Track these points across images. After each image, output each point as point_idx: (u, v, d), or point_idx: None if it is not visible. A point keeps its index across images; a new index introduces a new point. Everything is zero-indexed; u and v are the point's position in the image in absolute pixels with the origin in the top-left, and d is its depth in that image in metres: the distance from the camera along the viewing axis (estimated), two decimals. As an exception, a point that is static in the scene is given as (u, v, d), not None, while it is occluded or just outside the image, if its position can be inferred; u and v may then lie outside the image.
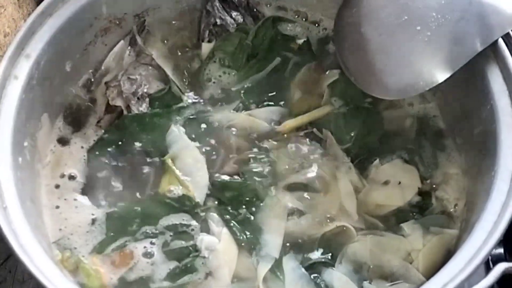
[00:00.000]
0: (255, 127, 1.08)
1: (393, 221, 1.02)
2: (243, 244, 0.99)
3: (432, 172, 1.06)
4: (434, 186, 1.05)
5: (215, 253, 0.97)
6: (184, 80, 1.14)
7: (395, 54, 1.01)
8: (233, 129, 1.08)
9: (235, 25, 1.17)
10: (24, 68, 0.97)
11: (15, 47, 0.96)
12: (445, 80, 0.97)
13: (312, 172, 1.05)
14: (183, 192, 1.02)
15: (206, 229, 1.00)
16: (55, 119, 1.08)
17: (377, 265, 0.97)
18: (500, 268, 0.81)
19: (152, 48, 1.16)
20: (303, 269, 0.97)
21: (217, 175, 1.04)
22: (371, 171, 1.05)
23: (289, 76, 1.14)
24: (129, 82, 1.11)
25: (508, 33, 0.96)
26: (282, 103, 1.12)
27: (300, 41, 1.18)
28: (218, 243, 0.98)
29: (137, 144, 1.06)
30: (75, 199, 1.02)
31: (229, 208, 1.01)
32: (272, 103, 1.12)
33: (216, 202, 1.02)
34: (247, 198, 1.02)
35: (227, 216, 1.01)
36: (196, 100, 1.12)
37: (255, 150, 1.07)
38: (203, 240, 0.98)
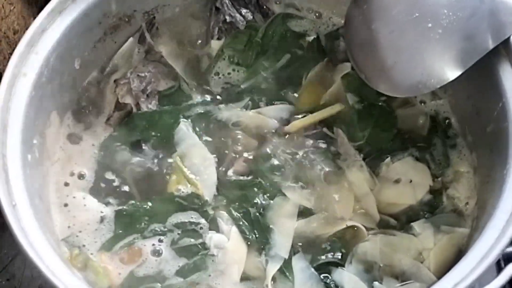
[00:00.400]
0: (264, 125, 1.08)
1: (403, 220, 1.01)
2: (252, 243, 0.99)
3: (443, 170, 1.05)
4: (445, 184, 1.04)
5: (224, 251, 0.97)
6: (194, 77, 1.14)
7: (406, 51, 1.00)
8: (242, 127, 1.08)
9: (245, 22, 1.17)
10: (33, 65, 0.97)
11: (24, 45, 0.97)
12: (457, 78, 0.96)
13: (322, 171, 1.05)
14: (192, 190, 1.01)
15: (215, 227, 1.00)
16: (64, 116, 1.08)
17: (388, 264, 0.97)
18: (511, 268, 0.80)
19: (161, 45, 1.16)
20: (312, 269, 0.97)
21: (226, 174, 1.04)
22: (382, 169, 1.05)
23: (299, 74, 1.14)
24: (138, 80, 1.11)
25: (520, 31, 0.96)
26: (291, 100, 1.11)
27: (310, 38, 1.18)
28: (227, 241, 0.98)
29: (146, 142, 1.07)
30: (84, 197, 1.02)
31: (238, 207, 1.01)
32: (282, 101, 1.11)
33: (225, 201, 1.02)
34: (257, 197, 1.02)
35: (236, 215, 1.01)
36: (205, 98, 1.12)
37: (265, 148, 1.06)
38: (212, 238, 0.98)
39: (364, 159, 1.05)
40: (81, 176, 1.04)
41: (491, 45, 0.95)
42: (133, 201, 1.01)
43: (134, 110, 1.09)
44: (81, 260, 0.96)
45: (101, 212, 1.00)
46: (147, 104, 1.10)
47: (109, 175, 1.04)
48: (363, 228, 0.99)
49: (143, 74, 1.11)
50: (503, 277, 0.80)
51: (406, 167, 1.05)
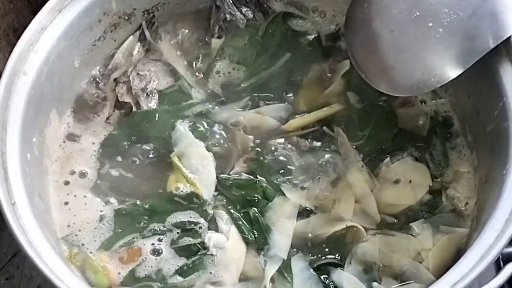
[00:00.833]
0: (264, 125, 1.08)
1: (403, 220, 1.01)
2: (251, 243, 0.99)
3: (443, 170, 1.05)
4: (445, 184, 1.04)
5: (223, 251, 0.97)
6: (194, 76, 1.14)
7: (406, 50, 1.00)
8: (242, 126, 1.08)
9: (245, 20, 1.17)
10: (33, 63, 0.97)
11: (24, 43, 0.97)
12: (457, 77, 0.96)
13: (322, 171, 1.05)
14: (191, 189, 1.01)
15: (214, 227, 0.99)
16: (64, 115, 1.08)
17: (387, 265, 0.97)
18: (510, 268, 0.81)
19: (161, 44, 1.16)
20: (311, 270, 0.97)
21: (226, 174, 1.04)
22: (382, 170, 1.05)
23: (299, 73, 1.14)
24: (138, 78, 1.11)
25: (521, 30, 0.95)
26: (291, 100, 1.11)
27: (311, 37, 1.18)
28: (226, 241, 0.98)
29: (146, 141, 1.07)
30: (84, 196, 1.02)
31: (238, 207, 1.01)
32: (281, 100, 1.11)
33: (225, 201, 1.02)
34: (256, 197, 1.02)
35: (236, 215, 1.01)
36: (206, 97, 1.12)
37: (264, 148, 1.06)
38: (211, 237, 0.98)
39: (363, 159, 1.05)
40: (81, 175, 1.04)
41: (491, 44, 0.94)
42: (132, 200, 1.01)
43: (134, 108, 1.09)
44: (81, 259, 0.96)
45: (101, 211, 1.00)
46: (147, 103, 1.10)
47: (109, 174, 1.04)
48: (362, 229, 0.99)
49: (143, 73, 1.11)
50: (501, 277, 0.80)
51: (405, 167, 1.05)
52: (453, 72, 0.96)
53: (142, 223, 0.99)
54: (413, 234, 0.99)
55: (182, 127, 1.07)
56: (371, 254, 0.97)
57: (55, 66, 1.01)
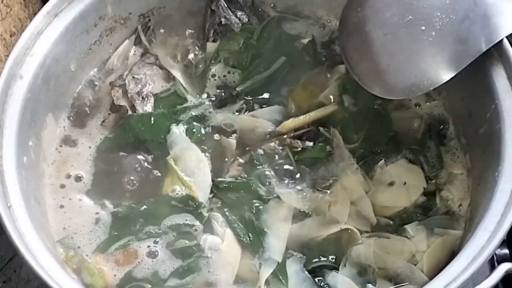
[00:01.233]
0: (259, 128, 1.08)
1: (397, 222, 1.01)
2: (246, 245, 0.99)
3: (437, 172, 1.05)
4: (439, 186, 1.04)
5: (218, 253, 0.97)
6: (189, 79, 1.14)
7: (399, 54, 1.00)
8: (237, 130, 1.08)
9: (240, 24, 1.17)
10: (29, 67, 0.97)
11: (21, 47, 0.97)
12: (450, 80, 0.96)
13: (317, 174, 1.05)
14: (187, 192, 1.02)
15: (209, 229, 1.00)
16: (60, 118, 1.08)
17: (382, 267, 0.97)
18: (503, 268, 0.81)
19: (157, 47, 1.16)
20: (306, 272, 0.97)
21: (221, 177, 1.04)
22: (376, 172, 1.05)
23: (294, 76, 1.14)
24: (133, 82, 1.11)
25: (513, 33, 0.96)
26: (286, 103, 1.12)
27: (305, 41, 1.18)
28: (221, 243, 0.98)
29: (142, 144, 1.07)
30: (80, 199, 1.02)
31: (233, 210, 1.02)
32: (276, 103, 1.11)
33: (220, 203, 1.02)
34: (251, 200, 1.02)
35: (231, 217, 1.01)
36: (201, 100, 1.12)
37: (259, 151, 1.07)
38: (207, 240, 0.98)
39: (358, 161, 1.05)
40: (77, 179, 1.04)
41: (484, 47, 0.95)
42: (128, 203, 1.02)
43: (130, 112, 1.09)
44: (77, 262, 0.96)
45: (96, 214, 1.01)
46: (143, 107, 1.10)
47: (104, 177, 1.04)
48: (357, 231, 0.99)
49: (138, 77, 1.12)
50: (494, 277, 0.80)
51: (400, 169, 1.05)
52: (445, 75, 0.96)
53: (137, 225, 0.99)
54: (408, 236, 0.99)
55: (178, 130, 1.07)
56: (365, 257, 0.97)
57: (51, 70, 1.01)
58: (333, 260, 0.98)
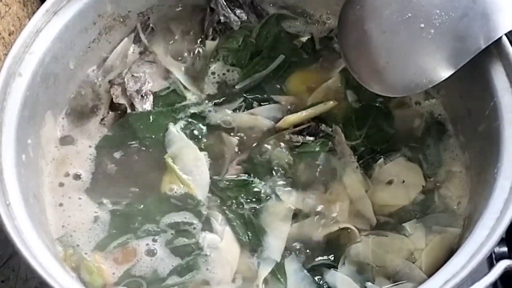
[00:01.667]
0: (258, 126, 1.08)
1: (396, 220, 1.01)
2: (245, 244, 0.99)
3: (436, 170, 1.05)
4: (437, 184, 1.04)
5: (217, 251, 0.97)
6: (188, 78, 1.14)
7: (398, 51, 1.00)
8: (236, 128, 1.08)
9: (239, 22, 1.17)
10: (28, 65, 0.97)
11: (19, 45, 0.97)
12: (449, 77, 0.96)
13: (317, 172, 1.05)
14: (185, 190, 1.02)
15: (208, 227, 1.00)
16: (59, 116, 1.08)
17: (380, 265, 0.97)
18: (501, 265, 0.81)
19: (156, 45, 1.16)
20: (305, 271, 0.97)
21: (220, 175, 1.04)
22: (375, 171, 1.05)
23: (293, 74, 1.14)
24: (133, 80, 1.11)
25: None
26: (285, 100, 1.11)
27: (304, 39, 1.18)
28: (220, 241, 0.98)
29: (141, 142, 1.07)
30: (79, 198, 1.02)
31: (232, 208, 1.01)
32: (275, 101, 1.11)
33: (219, 201, 1.02)
34: (250, 199, 1.02)
35: (230, 216, 1.01)
36: (200, 98, 1.12)
37: (258, 149, 1.07)
38: (206, 238, 0.98)
39: (358, 159, 1.05)
40: (76, 177, 1.04)
41: (482, 45, 0.95)
42: (127, 201, 1.01)
43: (129, 110, 1.09)
44: (75, 260, 0.96)
45: (95, 212, 1.01)
46: (142, 105, 1.10)
47: (103, 176, 1.04)
48: (356, 230, 0.99)
49: (137, 75, 1.12)
50: (493, 274, 0.80)
51: (398, 167, 1.05)
52: (444, 72, 0.96)
53: (136, 224, 0.99)
54: (406, 234, 0.99)
55: (175, 128, 1.07)
56: (364, 255, 0.97)
57: (50, 68, 1.01)
58: (332, 259, 0.98)
